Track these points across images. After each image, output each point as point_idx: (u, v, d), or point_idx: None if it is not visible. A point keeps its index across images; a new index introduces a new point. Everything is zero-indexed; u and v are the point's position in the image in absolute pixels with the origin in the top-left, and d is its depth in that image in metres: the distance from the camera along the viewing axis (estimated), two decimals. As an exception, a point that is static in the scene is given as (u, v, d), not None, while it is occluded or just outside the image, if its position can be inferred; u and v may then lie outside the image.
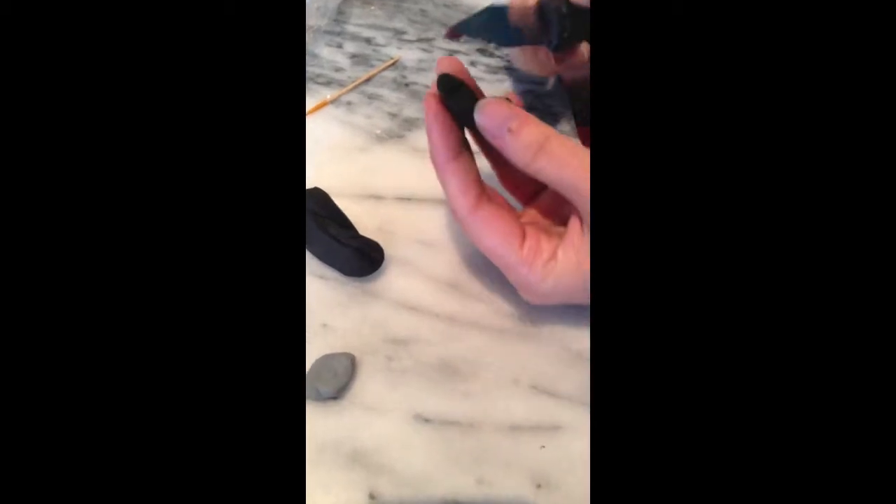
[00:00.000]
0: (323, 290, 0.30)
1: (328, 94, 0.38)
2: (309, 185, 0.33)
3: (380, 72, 0.40)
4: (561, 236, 0.27)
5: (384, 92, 0.39)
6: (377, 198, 0.34)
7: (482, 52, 0.40)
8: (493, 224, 0.26)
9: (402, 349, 0.29)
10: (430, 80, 0.40)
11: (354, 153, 0.36)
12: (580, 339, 0.29)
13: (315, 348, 0.28)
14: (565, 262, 0.26)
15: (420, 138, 0.37)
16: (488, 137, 0.26)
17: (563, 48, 0.30)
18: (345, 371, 0.27)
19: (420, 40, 0.42)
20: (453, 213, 0.27)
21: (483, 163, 0.29)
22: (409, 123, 0.37)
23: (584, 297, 0.27)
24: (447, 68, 0.26)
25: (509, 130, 0.25)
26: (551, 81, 0.37)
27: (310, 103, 0.38)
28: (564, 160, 0.24)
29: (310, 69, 0.39)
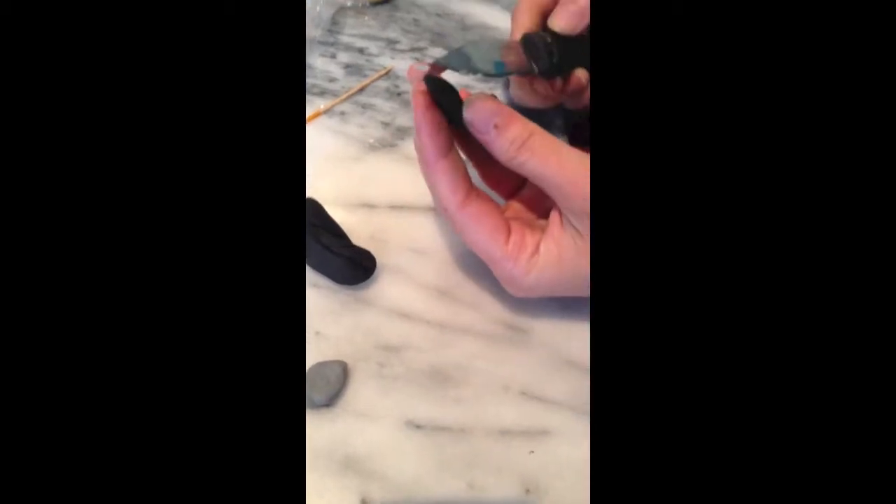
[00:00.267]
0: (316, 298, 0.31)
1: (322, 104, 0.39)
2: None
3: (373, 81, 0.40)
4: (543, 230, 0.27)
5: (377, 101, 0.39)
6: (370, 206, 0.35)
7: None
8: (479, 220, 0.27)
9: (394, 356, 0.29)
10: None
11: (348, 162, 0.36)
12: (569, 344, 0.30)
13: (308, 356, 0.29)
14: (547, 255, 0.27)
15: (412, 147, 0.37)
16: (475, 133, 0.26)
17: (554, 74, 0.30)
18: (337, 378, 0.27)
19: (413, 50, 0.42)
20: (441, 210, 0.28)
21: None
22: (402, 132, 0.38)
23: (566, 289, 0.28)
24: (422, 73, 0.27)
25: (495, 126, 0.25)
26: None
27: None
28: (545, 157, 0.25)
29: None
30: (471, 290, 0.31)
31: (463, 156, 0.29)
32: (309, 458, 0.26)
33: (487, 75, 0.27)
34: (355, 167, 0.36)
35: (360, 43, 0.42)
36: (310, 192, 0.34)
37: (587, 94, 0.32)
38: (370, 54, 0.42)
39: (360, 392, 0.28)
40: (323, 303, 0.31)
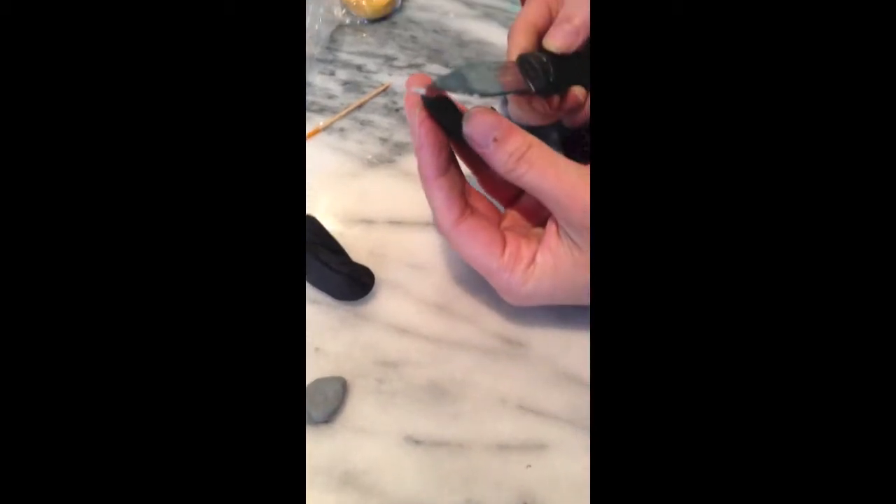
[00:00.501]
0: (315, 314, 0.31)
1: (321, 121, 0.39)
2: (302, 211, 0.34)
3: (371, 98, 0.41)
4: (539, 239, 0.28)
5: (375, 117, 0.40)
6: (368, 222, 0.35)
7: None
8: (474, 236, 0.27)
9: (393, 371, 0.30)
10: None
11: (346, 179, 0.37)
12: (566, 357, 0.30)
13: (308, 372, 0.29)
14: (543, 265, 0.27)
15: (410, 162, 0.38)
16: (474, 146, 0.27)
17: (551, 92, 0.31)
18: (336, 395, 0.28)
19: (410, 66, 0.43)
20: (437, 227, 0.28)
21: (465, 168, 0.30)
22: (400, 148, 0.38)
23: (562, 299, 0.28)
24: (419, 84, 0.27)
25: (494, 139, 0.26)
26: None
27: (303, 130, 0.39)
28: (543, 169, 0.26)
29: (303, 97, 0.41)
30: (468, 304, 0.32)
31: (462, 164, 0.30)
32: (308, 475, 0.27)
33: (485, 95, 0.27)
34: (354, 183, 0.37)
35: (358, 60, 0.43)
36: (309, 209, 0.35)
37: (584, 111, 0.33)
38: (368, 71, 0.42)
39: (359, 408, 0.28)
40: (322, 319, 0.31)
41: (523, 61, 0.30)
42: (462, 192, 0.28)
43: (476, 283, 0.32)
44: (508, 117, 0.35)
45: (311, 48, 0.42)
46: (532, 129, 0.27)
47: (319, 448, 0.27)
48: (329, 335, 0.31)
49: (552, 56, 0.31)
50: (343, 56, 0.43)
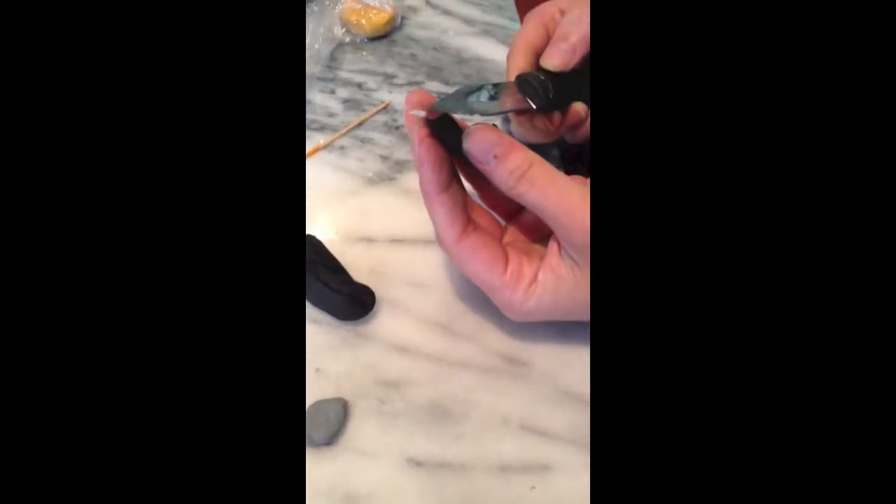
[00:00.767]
0: (316, 334, 0.31)
1: (322, 139, 0.40)
2: (302, 230, 0.34)
3: (371, 116, 0.41)
4: (540, 256, 0.28)
5: (376, 135, 0.40)
6: (369, 240, 0.35)
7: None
8: (477, 253, 0.27)
9: (394, 392, 0.29)
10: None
11: (347, 197, 0.37)
12: (568, 376, 0.30)
13: (309, 393, 0.29)
14: (545, 284, 0.27)
15: (411, 180, 0.38)
16: (475, 163, 0.27)
17: (551, 109, 0.31)
18: (337, 417, 0.28)
19: (410, 84, 0.43)
20: (439, 243, 0.28)
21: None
22: (401, 166, 0.38)
23: (563, 315, 0.28)
24: (418, 101, 0.27)
25: (495, 156, 0.26)
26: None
27: (304, 149, 0.39)
28: (544, 188, 0.26)
29: (304, 115, 0.41)
30: (469, 322, 0.32)
31: (464, 179, 0.30)
32: (309, 498, 0.26)
33: (485, 115, 0.27)
34: (354, 201, 0.37)
35: (358, 78, 0.43)
36: (310, 227, 0.35)
37: (586, 127, 0.33)
38: (368, 89, 0.43)
39: (361, 429, 0.28)
40: (323, 339, 0.31)
41: (522, 81, 0.30)
42: (464, 208, 0.28)
43: (477, 301, 0.32)
44: (511, 135, 0.35)
45: (312, 67, 0.43)
46: (533, 146, 0.28)
47: (320, 470, 0.27)
48: (330, 355, 0.31)
49: (550, 74, 0.31)
50: (343, 74, 0.44)
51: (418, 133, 0.27)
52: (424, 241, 0.35)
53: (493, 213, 0.31)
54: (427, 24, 0.47)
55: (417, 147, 0.27)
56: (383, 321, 0.32)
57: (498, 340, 0.31)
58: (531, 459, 0.28)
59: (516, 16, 0.48)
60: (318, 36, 0.43)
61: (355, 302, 0.30)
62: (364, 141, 0.40)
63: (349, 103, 0.42)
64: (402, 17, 0.47)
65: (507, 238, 0.30)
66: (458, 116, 0.28)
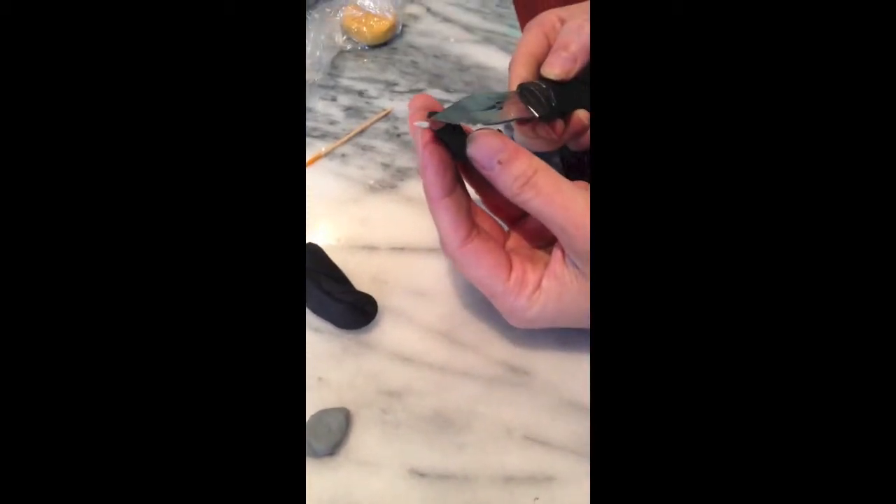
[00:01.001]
0: (318, 342, 0.31)
1: (323, 146, 0.39)
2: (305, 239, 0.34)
3: (373, 123, 0.41)
4: (544, 263, 0.28)
5: (377, 143, 0.40)
6: (371, 248, 0.35)
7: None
8: (480, 258, 0.27)
9: (397, 401, 0.29)
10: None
11: (348, 205, 0.37)
12: (571, 385, 0.30)
13: (311, 402, 0.29)
14: (548, 291, 0.27)
15: (412, 188, 0.38)
16: (479, 168, 0.26)
17: (554, 117, 0.31)
18: (339, 427, 0.27)
19: (411, 91, 0.43)
20: (443, 247, 0.28)
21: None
22: (402, 173, 0.38)
23: (567, 322, 0.28)
24: (421, 105, 0.27)
25: (499, 162, 0.26)
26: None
27: (305, 156, 0.39)
28: (550, 195, 0.25)
29: (306, 123, 0.41)
30: (472, 331, 0.32)
31: (467, 184, 0.30)
32: (311, 510, 0.26)
33: (488, 124, 0.27)
34: (356, 209, 0.37)
35: (359, 86, 0.43)
36: (311, 235, 0.35)
37: (588, 135, 0.33)
38: (370, 96, 0.43)
39: (363, 440, 0.28)
40: (325, 347, 0.31)
41: (523, 90, 0.30)
42: (468, 213, 0.28)
43: (480, 310, 0.32)
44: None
45: (313, 74, 0.43)
46: (535, 154, 0.27)
47: (323, 482, 0.27)
48: (332, 364, 0.30)
49: (552, 83, 0.31)
50: (344, 82, 0.44)
51: (422, 137, 0.27)
52: (426, 250, 0.35)
53: (496, 218, 0.31)
54: (428, 32, 0.47)
55: (421, 151, 0.27)
56: (385, 330, 0.31)
57: (501, 349, 0.31)
58: (535, 470, 0.27)
59: (517, 23, 0.48)
60: (319, 43, 0.43)
61: (357, 311, 0.30)
62: (365, 148, 0.40)
63: (350, 111, 0.42)
64: (403, 25, 0.47)
65: (510, 244, 0.30)
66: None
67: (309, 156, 0.39)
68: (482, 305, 0.32)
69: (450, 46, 0.46)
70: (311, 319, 0.31)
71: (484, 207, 0.31)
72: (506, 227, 0.31)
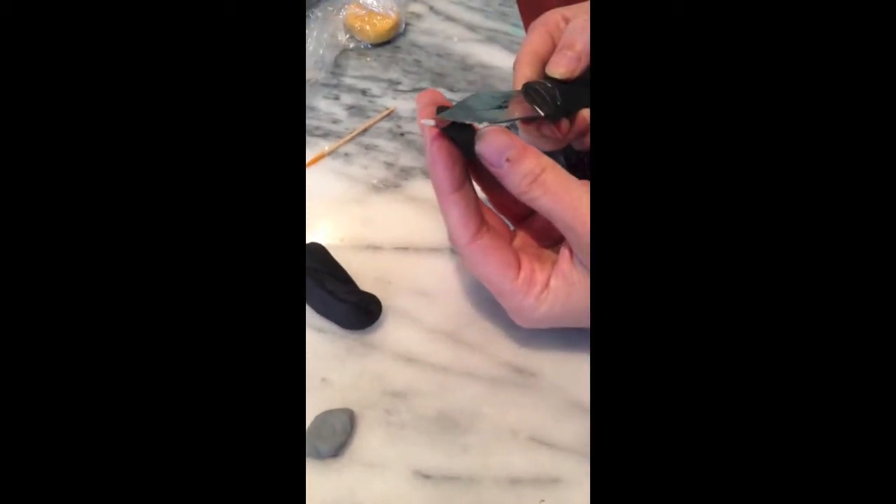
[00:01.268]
0: (322, 343, 0.31)
1: (326, 145, 0.39)
2: (308, 238, 0.33)
3: (376, 122, 0.41)
4: (552, 262, 0.28)
5: (380, 142, 0.40)
6: (374, 248, 0.35)
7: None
8: (489, 255, 0.27)
9: (401, 402, 0.29)
10: (424, 129, 0.40)
11: (352, 204, 0.37)
12: (577, 387, 0.29)
13: (314, 403, 0.29)
14: (556, 291, 0.27)
15: (416, 187, 0.37)
16: (487, 166, 0.26)
17: (559, 115, 0.31)
18: (343, 428, 0.27)
19: (415, 90, 0.43)
20: (452, 242, 0.28)
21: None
22: (406, 172, 0.38)
23: (573, 322, 0.28)
24: (430, 100, 0.27)
25: (508, 160, 0.25)
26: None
27: (308, 155, 0.39)
28: (558, 194, 0.25)
29: (308, 121, 0.41)
30: (477, 331, 0.31)
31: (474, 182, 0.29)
32: (316, 511, 0.26)
33: (494, 122, 0.27)
34: (359, 209, 0.36)
35: (362, 84, 0.43)
36: (314, 235, 0.35)
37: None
38: (373, 95, 0.42)
39: (368, 441, 0.28)
40: (328, 348, 0.31)
41: (529, 89, 0.30)
42: (478, 208, 0.28)
43: (485, 310, 0.32)
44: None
45: (316, 73, 0.42)
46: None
47: (327, 484, 0.27)
48: (335, 365, 0.30)
49: (557, 82, 0.31)
50: (347, 80, 0.43)
51: (430, 132, 0.26)
52: (430, 249, 0.34)
53: (501, 216, 0.31)
54: (431, 31, 0.47)
55: (430, 146, 0.26)
56: (389, 330, 0.31)
57: (506, 350, 0.31)
58: (540, 472, 0.27)
59: (520, 22, 0.48)
60: (321, 42, 0.43)
61: (361, 311, 0.30)
62: (369, 148, 0.39)
63: (353, 110, 0.41)
64: (406, 24, 0.47)
65: (516, 242, 0.30)
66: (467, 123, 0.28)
67: (312, 155, 0.39)
68: (487, 305, 0.32)
69: (453, 45, 0.46)
70: (315, 320, 0.31)
71: (490, 206, 0.31)
72: (511, 226, 0.31)
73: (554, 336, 0.30)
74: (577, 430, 0.28)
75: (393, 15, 0.45)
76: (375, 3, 0.45)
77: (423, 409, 0.29)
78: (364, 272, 0.33)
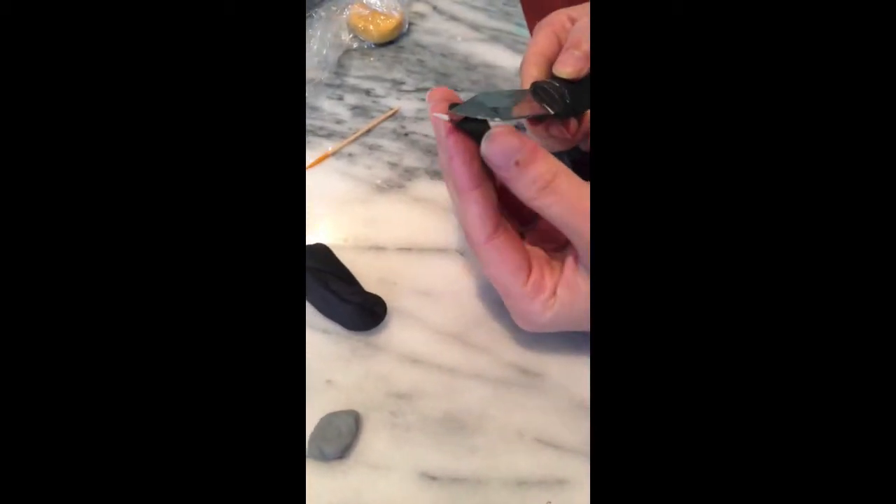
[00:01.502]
0: (326, 344, 0.31)
1: (330, 146, 0.39)
2: (312, 239, 0.33)
3: (380, 122, 0.41)
4: (560, 269, 0.27)
5: (384, 142, 0.40)
6: (378, 249, 0.35)
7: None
8: (504, 255, 0.27)
9: (406, 404, 0.29)
10: (429, 129, 0.40)
11: (356, 205, 0.36)
12: (582, 388, 0.29)
13: (320, 405, 0.28)
14: (562, 299, 0.27)
15: (420, 187, 0.37)
16: (494, 169, 0.26)
17: (568, 115, 0.31)
18: (349, 430, 0.27)
19: (418, 90, 0.43)
20: (468, 238, 0.27)
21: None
22: (410, 173, 0.38)
23: (576, 327, 0.28)
24: (441, 97, 0.26)
25: (517, 163, 0.24)
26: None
27: (312, 156, 0.38)
28: (571, 202, 0.24)
29: (311, 122, 0.40)
30: (482, 333, 0.31)
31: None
32: (321, 514, 0.26)
33: (504, 120, 0.27)
34: (363, 209, 0.36)
35: (366, 84, 0.43)
36: (318, 236, 0.34)
37: None
38: (376, 95, 0.42)
39: (373, 443, 0.28)
40: (333, 349, 0.30)
41: (537, 88, 0.30)
42: (496, 207, 0.27)
43: (490, 311, 0.32)
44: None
45: (319, 73, 0.42)
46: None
47: (332, 486, 0.27)
48: (340, 366, 0.30)
49: (564, 82, 0.31)
50: (351, 81, 0.43)
51: (445, 126, 0.25)
52: (435, 250, 0.34)
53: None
54: (434, 30, 0.47)
55: (445, 140, 0.25)
56: (394, 332, 0.31)
57: (511, 351, 0.31)
58: (547, 473, 0.27)
59: (524, 21, 0.47)
60: (325, 42, 0.43)
61: (366, 312, 0.30)
62: (372, 148, 0.39)
63: (357, 110, 0.41)
64: (410, 23, 0.47)
65: (526, 243, 0.30)
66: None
67: (316, 155, 0.38)
68: (493, 306, 0.32)
69: (457, 45, 0.46)
70: (320, 321, 0.31)
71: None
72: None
73: (560, 337, 0.30)
74: (584, 431, 0.28)
75: (396, 15, 0.45)
76: (379, 3, 0.45)
77: (428, 411, 0.29)
78: (368, 273, 0.33)
